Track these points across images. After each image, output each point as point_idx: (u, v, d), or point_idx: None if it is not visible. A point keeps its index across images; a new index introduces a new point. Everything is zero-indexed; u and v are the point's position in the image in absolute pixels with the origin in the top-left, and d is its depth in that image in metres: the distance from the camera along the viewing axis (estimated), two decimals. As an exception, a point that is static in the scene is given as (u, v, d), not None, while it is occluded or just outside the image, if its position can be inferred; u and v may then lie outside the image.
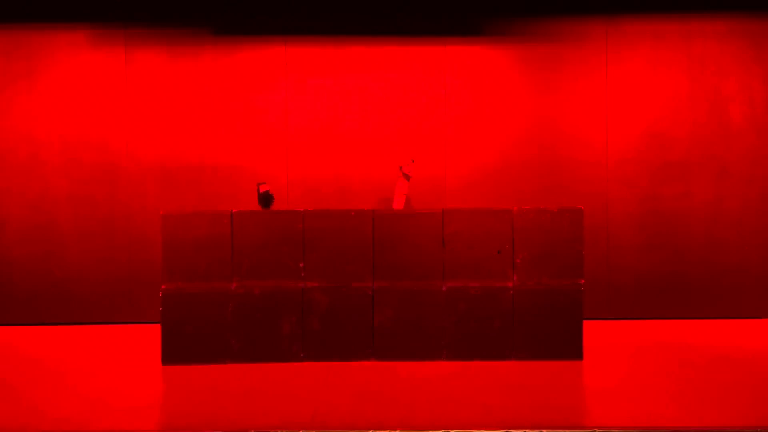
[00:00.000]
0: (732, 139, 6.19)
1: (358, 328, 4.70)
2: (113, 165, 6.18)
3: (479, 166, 6.20)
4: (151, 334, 5.45)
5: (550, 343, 4.68)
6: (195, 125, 6.18)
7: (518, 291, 4.70)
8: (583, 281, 4.70)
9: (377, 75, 6.21)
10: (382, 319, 4.71)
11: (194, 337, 4.65)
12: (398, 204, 5.48)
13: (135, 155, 6.18)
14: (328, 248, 4.72)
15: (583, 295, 4.70)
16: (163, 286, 4.67)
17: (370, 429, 3.42)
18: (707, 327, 5.80)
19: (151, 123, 6.18)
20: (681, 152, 6.19)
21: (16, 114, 6.15)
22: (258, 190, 5.01)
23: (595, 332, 5.44)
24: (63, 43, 6.17)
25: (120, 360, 4.84)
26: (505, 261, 4.73)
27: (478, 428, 3.41)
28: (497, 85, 6.23)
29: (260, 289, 4.69)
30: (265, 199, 5.03)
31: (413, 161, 5.39)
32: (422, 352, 4.70)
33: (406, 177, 5.38)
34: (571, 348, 4.67)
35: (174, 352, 4.64)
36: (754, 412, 3.62)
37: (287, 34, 6.19)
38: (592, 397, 3.96)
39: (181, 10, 6.19)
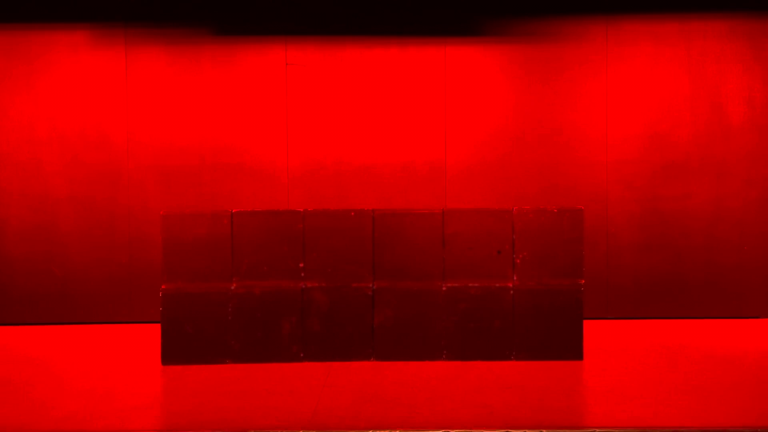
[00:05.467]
0: (732, 140, 6.18)
1: (358, 328, 4.70)
2: (113, 165, 6.17)
3: (479, 167, 6.20)
4: (151, 334, 5.45)
5: (550, 343, 4.68)
6: (195, 125, 6.18)
7: (518, 291, 4.70)
8: (583, 281, 4.70)
9: (377, 76, 6.20)
10: (382, 319, 4.71)
11: (194, 337, 4.65)
12: None
13: (135, 155, 6.18)
14: (328, 248, 4.72)
15: (583, 295, 4.71)
16: (163, 286, 4.67)
17: (370, 429, 3.42)
18: (707, 327, 5.80)
19: (151, 123, 6.18)
20: (681, 152, 6.19)
21: (16, 114, 6.15)
22: None
23: (595, 332, 5.44)
24: (63, 44, 6.16)
25: (120, 360, 4.84)
26: (505, 261, 4.73)
27: (478, 428, 3.41)
28: (496, 85, 6.22)
29: (260, 289, 4.69)
30: None
31: None
32: (422, 352, 4.70)
33: None
34: (571, 348, 4.67)
35: (174, 352, 4.65)
36: (754, 411, 3.62)
37: (287, 35, 6.19)
38: (592, 397, 3.97)
39: (181, 10, 6.19)
